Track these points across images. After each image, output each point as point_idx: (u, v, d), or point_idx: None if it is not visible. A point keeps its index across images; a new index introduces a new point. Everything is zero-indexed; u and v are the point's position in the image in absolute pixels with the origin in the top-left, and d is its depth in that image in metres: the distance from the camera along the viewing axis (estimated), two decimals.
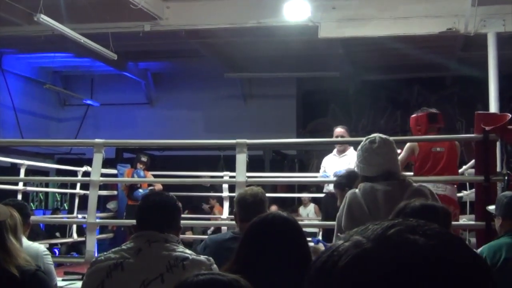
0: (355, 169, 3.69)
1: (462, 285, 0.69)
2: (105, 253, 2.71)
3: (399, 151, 6.08)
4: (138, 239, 2.68)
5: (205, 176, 9.71)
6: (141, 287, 2.50)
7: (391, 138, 3.67)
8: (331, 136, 7.18)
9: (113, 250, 2.69)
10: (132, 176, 9.28)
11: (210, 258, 2.70)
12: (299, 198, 12.04)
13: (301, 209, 11.52)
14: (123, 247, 2.68)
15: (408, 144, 6.01)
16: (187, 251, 2.69)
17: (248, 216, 3.42)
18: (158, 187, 9.58)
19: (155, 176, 9.51)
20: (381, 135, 3.61)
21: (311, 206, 11.41)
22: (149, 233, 2.67)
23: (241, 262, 2.31)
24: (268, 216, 2.47)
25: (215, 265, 2.67)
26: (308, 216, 11.20)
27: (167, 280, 2.50)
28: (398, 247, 0.70)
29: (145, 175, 9.32)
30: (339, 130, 7.14)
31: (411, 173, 6.13)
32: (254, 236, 2.38)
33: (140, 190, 9.35)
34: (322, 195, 7.61)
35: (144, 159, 9.58)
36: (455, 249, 0.71)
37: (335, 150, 7.29)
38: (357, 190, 3.45)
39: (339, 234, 3.14)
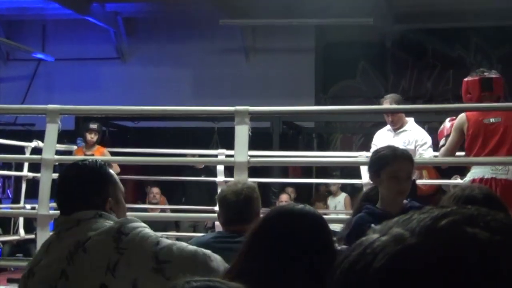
0: None
1: None
2: None
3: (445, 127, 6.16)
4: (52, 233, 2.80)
5: (194, 154, 9.70)
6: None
7: (440, 105, 3.65)
8: (360, 103, 7.16)
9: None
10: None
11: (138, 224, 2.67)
12: (318, 185, 12.06)
13: (329, 199, 11.62)
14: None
15: (456, 121, 6.06)
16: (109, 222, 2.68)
17: (229, 220, 3.64)
18: (115, 169, 9.57)
19: (125, 154, 9.50)
20: None
21: (341, 196, 11.48)
22: (59, 221, 2.76)
23: (244, 267, 2.32)
24: (288, 208, 2.49)
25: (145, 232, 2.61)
26: (336, 208, 11.25)
27: (71, 276, 2.55)
28: (451, 244, 0.70)
29: (96, 152, 9.31)
30: (387, 102, 7.01)
31: (463, 153, 6.20)
32: (265, 234, 2.39)
33: None
34: (354, 181, 7.59)
35: (93, 125, 9.51)
36: None
37: (388, 125, 7.18)
38: None
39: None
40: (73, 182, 2.79)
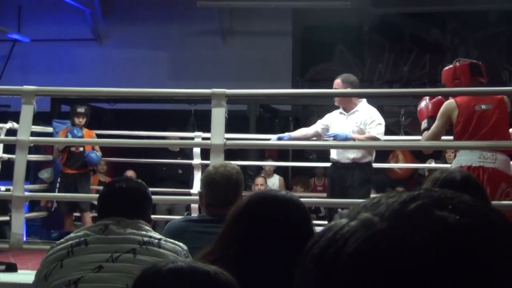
0: None
1: (510, 276, 0.68)
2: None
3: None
4: (103, 220, 3.01)
5: (172, 137, 9.69)
6: (108, 260, 2.78)
7: (416, 89, 3.64)
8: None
9: (75, 231, 3.04)
10: (66, 137, 9.17)
11: (185, 246, 3.00)
12: (299, 168, 12.08)
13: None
14: (86, 227, 3.05)
15: (442, 108, 5.89)
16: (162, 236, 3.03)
17: (217, 202, 3.55)
18: (99, 152, 9.50)
19: (102, 136, 9.45)
20: None
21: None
22: (115, 218, 2.99)
23: (224, 251, 2.33)
24: (270, 194, 2.50)
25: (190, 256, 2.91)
26: None
27: (139, 255, 2.81)
28: (421, 228, 0.70)
29: (85, 135, 9.23)
30: (336, 81, 7.17)
31: (451, 137, 6.15)
32: (247, 218, 2.39)
33: (97, 153, 9.25)
34: (323, 164, 7.61)
35: (80, 109, 9.45)
36: (496, 229, 0.71)
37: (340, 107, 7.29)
38: None
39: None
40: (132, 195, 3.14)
